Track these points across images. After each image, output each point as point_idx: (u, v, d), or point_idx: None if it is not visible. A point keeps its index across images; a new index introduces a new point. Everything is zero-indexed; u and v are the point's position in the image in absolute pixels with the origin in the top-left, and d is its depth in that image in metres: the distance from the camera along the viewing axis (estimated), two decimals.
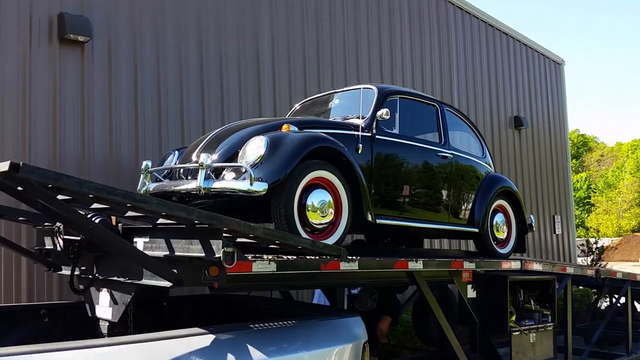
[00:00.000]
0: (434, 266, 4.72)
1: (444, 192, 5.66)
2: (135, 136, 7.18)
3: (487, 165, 6.38)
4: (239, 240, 3.88)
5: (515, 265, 5.56)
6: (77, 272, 4.11)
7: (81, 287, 4.21)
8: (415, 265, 4.42)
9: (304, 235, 4.17)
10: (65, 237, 3.87)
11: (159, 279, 3.41)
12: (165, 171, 4.88)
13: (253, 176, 3.96)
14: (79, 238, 3.82)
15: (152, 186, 4.68)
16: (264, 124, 4.71)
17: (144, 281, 3.55)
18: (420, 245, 7.24)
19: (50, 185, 2.61)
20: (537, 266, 5.82)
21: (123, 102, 7.16)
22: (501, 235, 6.25)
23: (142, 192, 4.68)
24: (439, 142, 5.77)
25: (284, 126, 4.49)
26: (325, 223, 4.41)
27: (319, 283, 4.23)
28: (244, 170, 4.16)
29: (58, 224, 3.93)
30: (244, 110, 8.35)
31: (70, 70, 6.81)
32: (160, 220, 3.51)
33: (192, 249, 3.28)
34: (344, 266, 3.84)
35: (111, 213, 3.61)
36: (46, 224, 4.42)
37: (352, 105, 5.55)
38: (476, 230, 5.88)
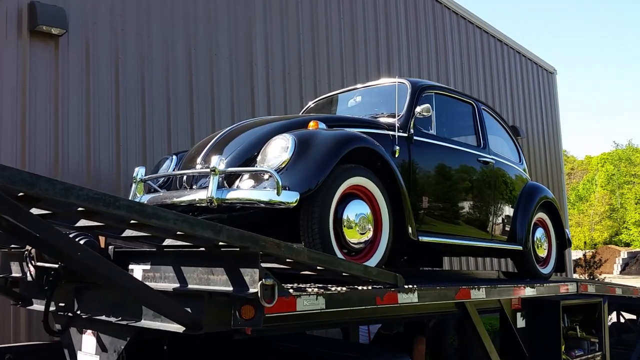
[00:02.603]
0: (496, 294, 3.91)
1: (487, 204, 4.87)
2: (116, 140, 6.32)
3: (525, 173, 5.62)
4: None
5: (572, 288, 4.78)
6: (52, 308, 3.20)
7: (58, 327, 3.28)
8: (477, 294, 3.59)
9: (340, 256, 3.33)
10: (39, 264, 2.95)
11: (165, 321, 2.53)
12: (162, 179, 3.99)
13: (280, 184, 3.11)
14: (56, 265, 2.91)
15: (145, 198, 3.76)
16: (286, 121, 3.87)
17: (145, 323, 2.66)
18: (440, 265, 6.43)
19: (21, 194, 1.73)
20: (591, 288, 5.05)
21: (103, 102, 6.34)
22: (542, 253, 5.48)
23: None
24: (478, 145, 4.99)
25: (311, 123, 3.65)
26: (364, 242, 3.57)
27: (372, 319, 3.37)
28: (266, 176, 3.31)
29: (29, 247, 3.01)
30: (236, 112, 7.54)
31: (42, 67, 6.03)
32: (167, 242, 2.64)
33: (214, 281, 2.41)
34: (402, 298, 2.99)
35: (102, 232, 2.71)
36: (13, 245, 3.46)
37: (378, 102, 4.75)
38: (520, 247, 5.09)
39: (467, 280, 4.42)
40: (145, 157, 6.49)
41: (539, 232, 5.47)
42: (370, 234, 3.60)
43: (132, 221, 2.02)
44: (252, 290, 2.24)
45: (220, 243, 2.31)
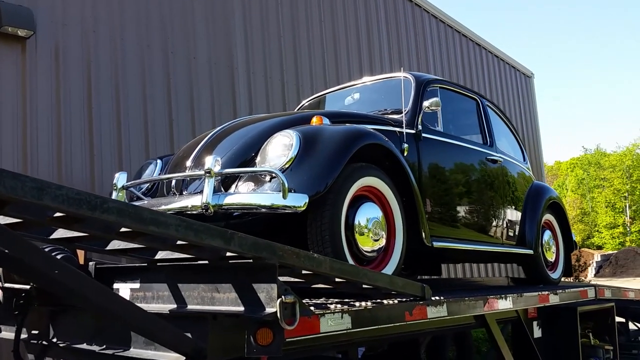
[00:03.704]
0: (523, 303, 3.55)
1: (497, 206, 4.53)
2: (89, 147, 5.88)
3: (529, 171, 5.31)
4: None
5: (591, 293, 4.46)
6: (24, 336, 2.75)
7: (31, 357, 2.83)
8: (505, 304, 3.24)
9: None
10: (7, 285, 2.50)
11: (160, 350, 2.11)
12: (146, 186, 3.56)
13: (287, 186, 2.71)
14: (27, 287, 2.46)
15: None
16: (287, 117, 3.48)
17: (134, 352, 2.23)
18: (439, 272, 6.07)
19: None
20: (607, 293, 4.75)
21: (74, 108, 5.90)
22: (551, 256, 5.16)
23: None
24: (485, 143, 4.66)
25: (315, 118, 3.27)
26: (377, 250, 3.19)
27: (397, 335, 2.96)
28: (268, 178, 2.91)
29: None
30: (217, 117, 7.15)
31: (7, 70, 5.61)
32: (160, 255, 2.23)
33: (220, 300, 2.01)
34: (431, 312, 2.62)
35: (83, 245, 2.28)
36: None
37: (379, 98, 4.40)
38: (530, 251, 4.76)
39: (482, 288, 4.08)
40: (122, 164, 6.05)
41: (547, 235, 5.17)
42: (383, 241, 3.22)
43: (123, 229, 1.61)
44: (269, 310, 1.85)
45: (228, 254, 1.91)
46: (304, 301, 2.34)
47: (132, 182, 3.44)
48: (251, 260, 1.91)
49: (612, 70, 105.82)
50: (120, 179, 3.37)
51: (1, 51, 5.53)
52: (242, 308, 1.93)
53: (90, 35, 6.19)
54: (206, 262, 2.06)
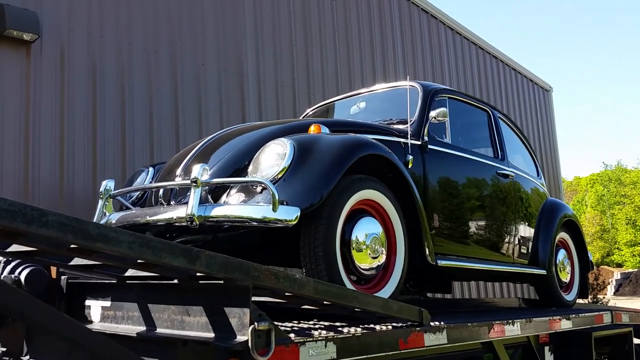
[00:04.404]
0: (532, 329, 3.31)
1: (507, 223, 4.29)
2: (92, 154, 5.74)
3: (543, 187, 5.06)
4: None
5: (607, 318, 4.19)
6: None
7: None
8: (512, 329, 3.01)
9: (349, 286, 2.74)
10: None
11: None
12: (136, 195, 3.39)
13: (277, 197, 2.52)
14: None
15: (115, 217, 3.14)
16: (283, 125, 3.30)
17: None
18: (449, 290, 5.82)
19: None
20: (625, 317, 4.47)
21: (78, 114, 5.78)
22: (565, 277, 4.90)
23: None
24: (496, 156, 4.43)
25: (313, 127, 3.08)
26: (376, 267, 2.98)
27: None
28: (259, 189, 2.73)
29: None
30: (226, 125, 6.96)
31: (11, 74, 5.50)
32: (130, 271, 2.04)
33: (190, 324, 1.82)
34: (429, 340, 2.40)
35: (43, 260, 2.10)
36: None
37: (385, 108, 4.21)
38: (543, 272, 4.51)
39: (491, 311, 3.83)
40: (125, 172, 5.92)
41: (561, 254, 4.91)
42: (383, 258, 3.01)
43: (73, 244, 1.43)
44: (240, 338, 1.65)
45: (199, 274, 1.72)
46: (288, 324, 2.14)
47: (119, 190, 3.27)
48: (222, 282, 1.72)
49: (634, 86, 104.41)
50: (108, 186, 3.20)
51: (5, 55, 5.44)
52: (212, 334, 1.74)
53: (97, 39, 6.09)
54: (175, 281, 1.88)
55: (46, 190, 5.43)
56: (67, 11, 5.92)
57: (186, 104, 6.70)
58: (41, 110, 5.55)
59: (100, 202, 3.17)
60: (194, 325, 1.80)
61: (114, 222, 3.08)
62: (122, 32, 6.29)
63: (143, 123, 6.26)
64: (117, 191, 3.24)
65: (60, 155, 5.57)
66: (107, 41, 6.14)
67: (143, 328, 1.95)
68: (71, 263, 1.97)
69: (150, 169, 3.56)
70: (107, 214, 3.21)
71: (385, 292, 2.98)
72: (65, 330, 1.69)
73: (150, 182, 3.37)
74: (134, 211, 3.11)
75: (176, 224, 2.79)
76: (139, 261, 1.62)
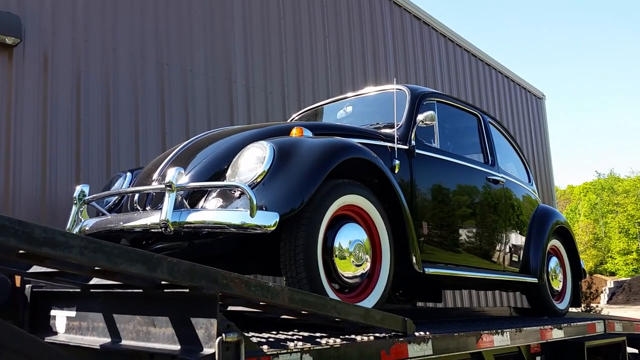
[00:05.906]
0: (522, 339, 3.21)
1: (498, 230, 4.19)
2: (76, 163, 5.62)
3: (534, 194, 4.97)
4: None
5: (599, 327, 4.09)
6: None
7: None
8: (501, 339, 2.90)
9: (331, 295, 2.63)
10: None
11: None
12: (113, 200, 3.27)
13: (255, 202, 2.41)
14: None
15: (89, 223, 3.02)
16: (263, 128, 3.19)
17: None
18: (439, 299, 5.71)
19: None
20: (617, 326, 4.37)
21: (62, 120, 5.68)
22: (557, 285, 4.80)
23: (75, 232, 3.03)
24: (486, 162, 4.34)
25: (295, 130, 2.97)
26: (360, 276, 2.87)
27: None
28: (237, 193, 2.62)
29: None
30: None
31: None
32: (94, 280, 1.93)
33: (155, 336, 1.70)
34: (413, 351, 2.28)
35: (7, 268, 1.98)
36: None
37: (372, 112, 4.12)
38: (535, 280, 4.41)
39: (480, 320, 3.73)
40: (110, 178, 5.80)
41: (553, 262, 4.81)
42: (367, 266, 2.90)
43: (21, 250, 1.32)
44: (207, 350, 1.54)
45: (163, 282, 1.61)
46: (265, 335, 2.03)
47: (94, 195, 3.15)
48: (188, 290, 1.61)
49: (627, 95, 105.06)
50: (82, 191, 3.08)
51: None
52: (177, 347, 1.62)
53: (81, 44, 5.98)
54: (140, 290, 1.76)
55: (27, 198, 5.31)
56: (51, 15, 5.82)
57: (173, 110, 6.59)
58: (23, 116, 5.44)
59: (74, 208, 3.05)
60: (160, 337, 1.68)
61: (88, 228, 2.96)
62: (108, 36, 6.19)
63: (128, 129, 6.14)
64: (91, 196, 3.12)
65: (43, 162, 5.46)
66: (91, 46, 6.04)
67: (108, 340, 1.83)
68: (30, 270, 1.85)
69: (128, 173, 3.45)
70: (82, 220, 3.09)
71: (370, 301, 2.87)
72: (24, 346, 1.58)
73: (127, 187, 3.25)
74: (108, 217, 2.98)
75: (152, 230, 2.67)
76: (96, 268, 1.50)
